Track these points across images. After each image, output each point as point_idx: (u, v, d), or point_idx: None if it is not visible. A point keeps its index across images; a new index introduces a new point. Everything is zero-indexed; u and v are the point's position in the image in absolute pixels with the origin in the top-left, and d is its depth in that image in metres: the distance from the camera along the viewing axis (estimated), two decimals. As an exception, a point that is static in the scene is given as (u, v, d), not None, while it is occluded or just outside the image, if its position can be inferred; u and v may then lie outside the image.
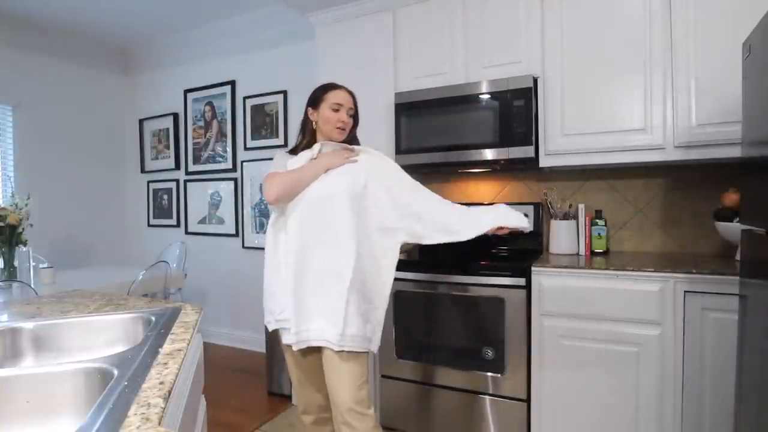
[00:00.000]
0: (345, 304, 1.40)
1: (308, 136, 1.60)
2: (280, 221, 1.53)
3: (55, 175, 3.75)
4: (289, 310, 1.46)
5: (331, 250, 1.44)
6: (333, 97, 1.55)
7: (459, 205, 1.58)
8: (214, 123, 3.89)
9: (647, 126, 1.98)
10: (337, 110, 1.54)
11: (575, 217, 2.32)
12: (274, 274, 1.52)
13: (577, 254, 2.26)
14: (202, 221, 3.99)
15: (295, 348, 1.47)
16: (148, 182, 4.31)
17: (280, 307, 1.50)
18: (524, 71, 2.17)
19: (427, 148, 2.34)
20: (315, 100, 1.58)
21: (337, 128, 1.55)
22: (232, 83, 3.76)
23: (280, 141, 3.51)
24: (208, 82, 3.89)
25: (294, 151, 1.61)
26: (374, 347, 1.49)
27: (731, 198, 1.92)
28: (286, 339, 1.50)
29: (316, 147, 1.55)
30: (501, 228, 1.53)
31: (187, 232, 4.07)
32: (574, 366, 1.89)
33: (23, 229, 2.38)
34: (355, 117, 1.61)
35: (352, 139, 1.64)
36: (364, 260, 1.46)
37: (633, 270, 1.80)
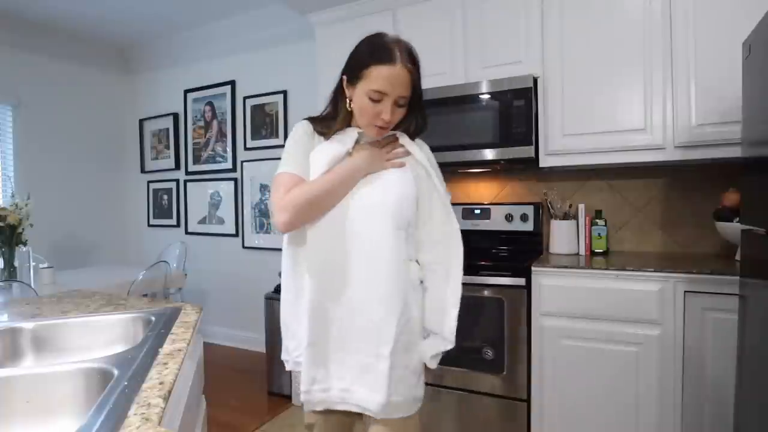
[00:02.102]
0: (388, 369, 1.03)
1: (341, 114, 1.13)
2: (299, 238, 1.11)
3: (55, 175, 3.75)
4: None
5: (366, 296, 1.05)
6: (376, 77, 1.03)
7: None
8: (214, 123, 3.89)
9: (647, 126, 1.98)
10: (377, 100, 1.05)
11: (575, 217, 2.32)
12: (290, 306, 1.15)
13: (577, 254, 2.26)
14: (202, 221, 3.99)
15: (307, 408, 1.12)
16: (148, 182, 4.31)
17: (300, 345, 1.12)
18: (524, 71, 2.17)
19: (427, 148, 2.33)
20: (353, 70, 1.08)
21: (376, 126, 1.08)
22: (232, 83, 3.76)
23: (280, 141, 3.50)
24: (208, 82, 3.89)
25: (323, 124, 1.15)
26: (421, 402, 1.14)
27: (731, 198, 1.92)
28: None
29: (352, 135, 1.12)
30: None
31: (187, 232, 4.07)
32: (574, 366, 1.89)
33: (23, 229, 2.38)
34: (413, 101, 1.10)
35: (409, 130, 1.17)
36: (411, 304, 1.09)
37: (633, 270, 1.80)
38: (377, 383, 1.04)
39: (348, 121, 1.14)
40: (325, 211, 1.06)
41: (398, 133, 1.16)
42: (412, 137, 1.17)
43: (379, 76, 1.03)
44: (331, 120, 1.15)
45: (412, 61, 1.06)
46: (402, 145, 1.15)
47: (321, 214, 1.06)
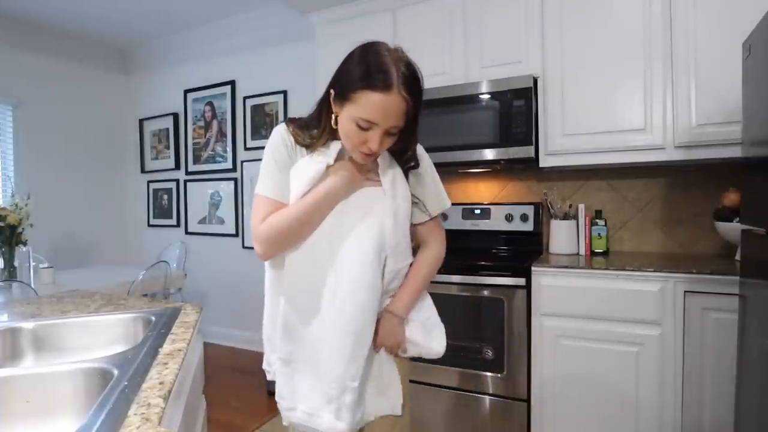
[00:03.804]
0: (353, 401, 1.01)
1: (326, 130, 1.04)
2: (277, 263, 1.07)
3: (55, 175, 3.75)
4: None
5: (335, 327, 1.01)
6: (365, 104, 0.92)
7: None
8: (214, 123, 3.89)
9: (647, 126, 1.98)
10: (365, 129, 0.94)
11: (575, 217, 2.32)
12: (271, 320, 1.11)
13: (577, 254, 2.26)
14: (202, 221, 3.99)
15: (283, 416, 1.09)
16: (148, 182, 4.31)
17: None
18: (524, 71, 2.17)
19: (427, 148, 2.30)
20: (342, 88, 0.96)
21: (361, 153, 0.98)
22: (232, 83, 3.76)
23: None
24: (208, 82, 3.89)
25: (305, 133, 1.05)
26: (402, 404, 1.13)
27: (731, 198, 1.92)
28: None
29: (334, 148, 1.03)
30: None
31: (187, 232, 4.07)
32: (574, 366, 1.89)
33: (23, 229, 2.38)
34: (408, 126, 0.98)
35: (399, 151, 1.08)
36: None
37: (633, 270, 1.80)
38: (342, 413, 0.99)
39: (332, 136, 1.04)
40: (302, 239, 1.01)
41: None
42: (404, 166, 1.09)
43: (370, 104, 0.91)
44: (314, 130, 1.05)
45: (410, 87, 0.92)
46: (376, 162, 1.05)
47: (298, 242, 1.01)
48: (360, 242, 1.00)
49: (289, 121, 1.08)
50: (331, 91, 0.99)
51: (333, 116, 1.01)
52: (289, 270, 1.03)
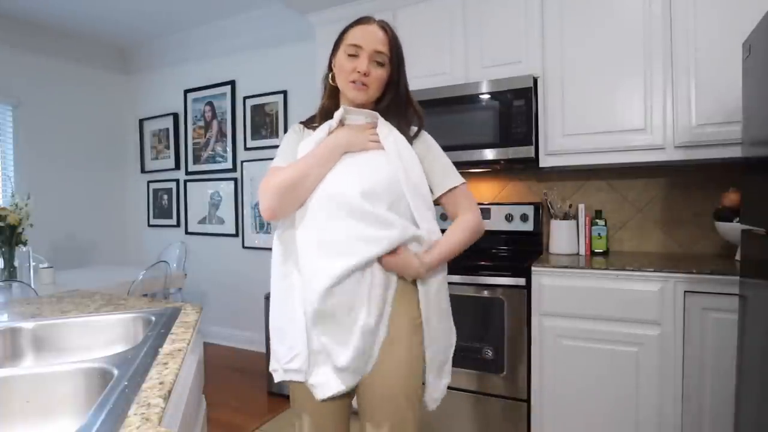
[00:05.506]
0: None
1: (328, 97, 1.19)
2: (288, 234, 1.09)
3: (55, 175, 3.75)
4: (302, 357, 1.04)
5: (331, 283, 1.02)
6: (352, 35, 1.10)
7: None
8: (214, 123, 3.89)
9: (647, 126, 1.98)
10: (353, 55, 1.08)
11: (575, 217, 2.32)
12: (280, 306, 1.09)
13: (577, 254, 2.26)
14: (202, 221, 3.99)
15: (284, 377, 1.08)
16: (148, 182, 4.31)
17: (290, 351, 1.06)
18: (524, 71, 2.17)
19: (427, 148, 2.33)
20: (335, 43, 1.15)
21: (351, 83, 1.08)
22: (232, 83, 3.76)
23: (279, 141, 3.50)
24: (208, 82, 3.89)
25: (312, 119, 1.20)
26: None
27: (731, 198, 1.92)
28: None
29: (338, 114, 1.12)
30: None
31: (187, 232, 4.07)
32: (574, 366, 1.89)
33: (23, 229, 2.38)
34: (394, 65, 1.11)
35: (395, 107, 1.15)
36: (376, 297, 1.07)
37: (633, 270, 1.80)
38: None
39: (335, 98, 1.17)
40: (304, 194, 1.04)
41: (380, 118, 1.12)
42: (405, 129, 1.14)
43: (355, 33, 1.09)
44: (318, 112, 1.20)
45: (388, 25, 1.12)
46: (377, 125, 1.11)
47: (301, 197, 1.04)
48: (351, 198, 1.02)
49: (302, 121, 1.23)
50: (331, 56, 1.16)
51: (330, 76, 1.16)
52: (301, 221, 1.06)
